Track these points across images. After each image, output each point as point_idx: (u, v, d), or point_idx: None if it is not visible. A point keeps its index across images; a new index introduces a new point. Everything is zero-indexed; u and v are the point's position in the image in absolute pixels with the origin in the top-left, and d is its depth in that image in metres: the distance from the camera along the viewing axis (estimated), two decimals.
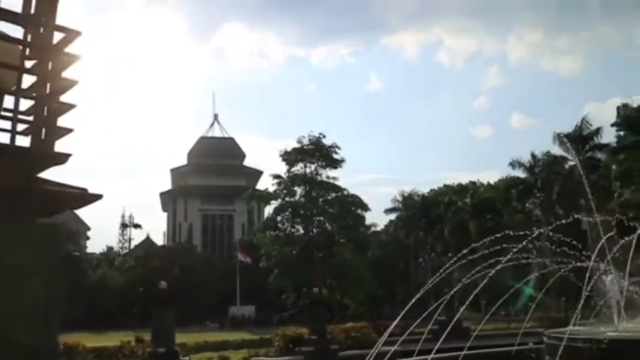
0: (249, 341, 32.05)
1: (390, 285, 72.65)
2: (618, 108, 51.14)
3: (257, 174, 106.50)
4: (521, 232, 11.11)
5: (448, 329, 11.44)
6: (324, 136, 52.27)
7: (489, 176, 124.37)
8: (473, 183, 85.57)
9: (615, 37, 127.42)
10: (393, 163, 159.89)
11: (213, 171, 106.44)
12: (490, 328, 29.82)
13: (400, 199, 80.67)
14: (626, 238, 9.17)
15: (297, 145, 52.12)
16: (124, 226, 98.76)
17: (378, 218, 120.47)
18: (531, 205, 65.58)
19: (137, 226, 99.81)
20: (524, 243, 10.31)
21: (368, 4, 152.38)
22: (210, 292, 72.24)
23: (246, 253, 68.17)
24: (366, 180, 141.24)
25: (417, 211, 78.45)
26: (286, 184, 52.63)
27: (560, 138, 51.78)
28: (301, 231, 53.03)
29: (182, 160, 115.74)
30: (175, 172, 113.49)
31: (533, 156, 59.64)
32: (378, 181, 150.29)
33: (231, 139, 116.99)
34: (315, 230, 52.26)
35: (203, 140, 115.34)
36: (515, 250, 9.96)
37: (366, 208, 55.44)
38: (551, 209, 55.18)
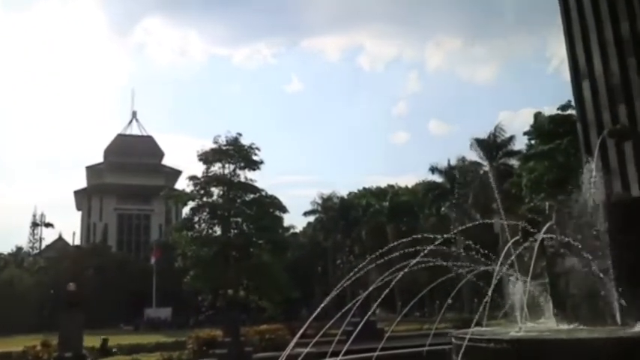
0: (164, 344, 31.35)
1: (307, 287, 72.93)
2: (535, 115, 53.16)
3: (176, 173, 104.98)
4: (437, 235, 11.35)
5: (357, 330, 11.48)
6: (240, 135, 51.91)
7: (408, 180, 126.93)
8: (391, 186, 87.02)
9: (529, 49, 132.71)
10: (314, 166, 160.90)
11: (130, 169, 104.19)
12: (404, 329, 30.25)
13: (319, 201, 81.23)
14: (530, 240, 9.50)
15: (214, 146, 51.55)
16: (34, 225, 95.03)
17: (297, 220, 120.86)
18: (447, 209, 67.31)
19: (49, 225, 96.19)
20: (431, 246, 10.51)
21: (291, 5, 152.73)
22: (125, 294, 70.39)
23: (160, 253, 66.75)
24: (287, 182, 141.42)
25: (335, 213, 79.16)
26: (203, 184, 51.97)
27: (474, 145, 53.48)
28: (219, 232, 52.47)
29: (99, 158, 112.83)
30: (91, 170, 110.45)
31: (450, 162, 61.44)
32: (298, 183, 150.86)
33: (150, 138, 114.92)
34: (232, 231, 51.82)
35: (120, 138, 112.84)
36: (423, 252, 10.14)
37: (284, 209, 55.49)
38: (466, 213, 56.77)
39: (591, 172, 10.34)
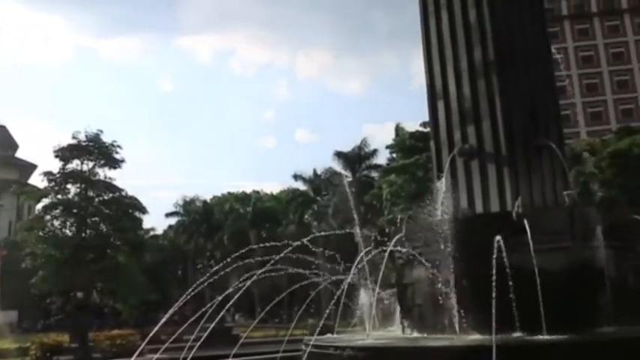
0: (6, 350, 29.39)
1: (166, 290, 71.31)
2: (396, 128, 55.27)
3: (31, 167, 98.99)
4: (297, 242, 11.54)
5: (205, 335, 11.40)
6: (101, 132, 49.91)
7: (273, 187, 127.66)
8: (256, 192, 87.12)
9: (396, 65, 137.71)
10: (182, 168, 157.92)
11: None
12: (260, 335, 30.32)
13: (182, 203, 79.84)
14: (379, 250, 9.90)
15: (73, 141, 49.17)
16: None
17: (160, 223, 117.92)
18: (310, 218, 68.36)
19: None
20: (282, 254, 10.68)
21: (165, 1, 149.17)
22: None
23: (6, 252, 62.51)
24: (154, 184, 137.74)
25: (198, 216, 78.11)
26: (58, 181, 49.36)
27: (338, 156, 54.94)
28: (74, 231, 50.03)
29: None
30: None
31: (315, 171, 62.60)
32: (165, 185, 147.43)
33: (3, 128, 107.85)
34: (88, 231, 49.58)
35: None
36: (276, 259, 10.28)
37: (144, 210, 53.85)
38: (328, 222, 57.94)
39: (441, 189, 10.93)
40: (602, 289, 10.08)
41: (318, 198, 62.02)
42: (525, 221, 9.57)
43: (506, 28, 12.34)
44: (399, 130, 55.62)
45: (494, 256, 8.64)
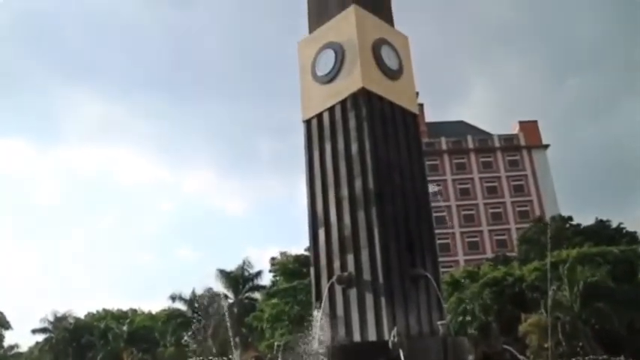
0: None
1: None
2: (271, 259, 56.65)
3: None
4: None
5: None
6: None
7: (152, 305, 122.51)
8: (134, 310, 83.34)
9: (281, 190, 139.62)
10: (57, 283, 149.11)
11: None
12: None
13: (52, 319, 74.89)
14: None
15: None
16: None
17: (26, 338, 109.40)
18: (189, 339, 65.75)
19: None
20: None
21: (49, 109, 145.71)
22: None
23: None
24: (26, 295, 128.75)
25: (67, 334, 73.34)
26: None
27: (220, 276, 54.26)
28: None
29: None
30: None
31: (195, 290, 61.02)
32: (36, 297, 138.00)
33: None
34: None
35: None
36: None
37: (6, 325, 50.17)
38: (206, 344, 55.91)
39: (318, 316, 10.93)
40: None
41: (198, 319, 60.11)
42: (400, 350, 9.68)
43: (385, 163, 12.96)
44: (282, 255, 56.57)
45: None
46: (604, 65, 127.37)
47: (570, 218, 55.65)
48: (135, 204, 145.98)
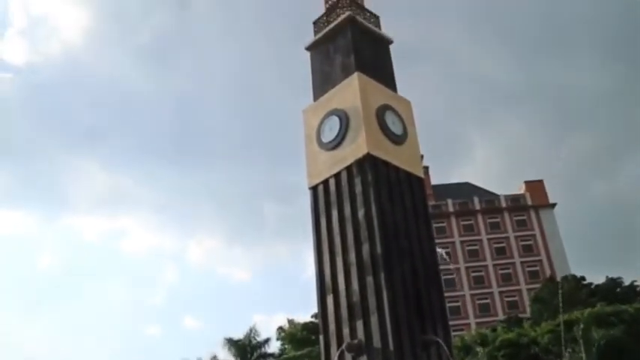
0: None
1: None
2: (278, 329, 56.15)
3: None
4: None
5: None
6: None
7: None
8: None
9: (287, 257, 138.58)
10: (57, 352, 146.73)
11: None
12: None
13: None
14: None
15: None
16: None
17: None
18: None
19: None
20: None
21: (54, 178, 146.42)
22: None
23: None
24: None
25: None
26: None
27: (228, 344, 53.44)
28: None
29: None
30: None
31: None
32: None
33: None
34: None
35: None
36: None
37: None
38: None
39: None
40: None
41: None
42: None
43: (392, 227, 12.92)
44: (290, 322, 56.05)
45: None
46: (603, 122, 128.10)
47: (583, 278, 55.00)
48: (141, 274, 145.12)
